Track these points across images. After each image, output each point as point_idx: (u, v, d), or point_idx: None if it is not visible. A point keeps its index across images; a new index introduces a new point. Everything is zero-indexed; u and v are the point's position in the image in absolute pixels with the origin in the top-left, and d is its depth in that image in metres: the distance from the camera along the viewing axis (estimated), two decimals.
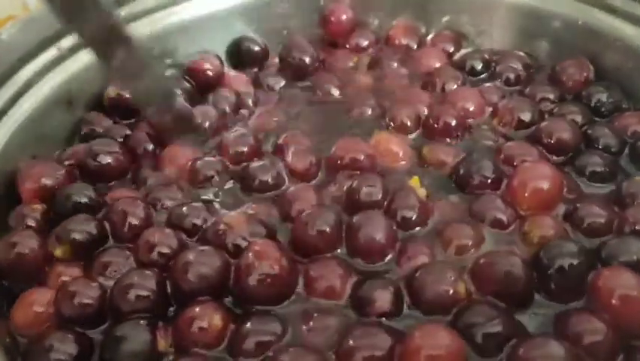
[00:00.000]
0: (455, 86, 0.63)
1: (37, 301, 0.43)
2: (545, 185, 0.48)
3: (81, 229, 0.47)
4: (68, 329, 0.41)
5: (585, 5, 0.64)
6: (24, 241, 0.46)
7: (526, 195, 0.48)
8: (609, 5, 0.62)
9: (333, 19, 0.72)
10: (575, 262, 0.42)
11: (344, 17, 0.72)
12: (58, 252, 0.47)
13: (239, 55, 0.70)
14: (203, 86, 0.65)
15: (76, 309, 0.42)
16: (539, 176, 0.49)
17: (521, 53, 0.68)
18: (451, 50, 0.70)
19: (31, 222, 0.49)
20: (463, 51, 0.70)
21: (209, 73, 0.65)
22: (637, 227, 0.46)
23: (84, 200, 0.50)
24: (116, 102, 0.62)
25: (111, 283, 0.44)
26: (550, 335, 0.39)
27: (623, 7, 0.61)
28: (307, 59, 0.68)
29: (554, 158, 0.54)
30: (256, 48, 0.70)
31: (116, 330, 0.40)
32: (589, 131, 0.56)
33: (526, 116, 0.58)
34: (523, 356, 0.37)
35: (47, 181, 0.52)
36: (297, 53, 0.68)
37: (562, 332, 0.40)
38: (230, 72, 0.68)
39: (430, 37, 0.72)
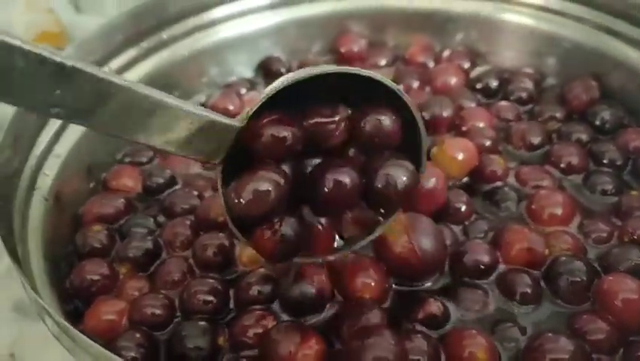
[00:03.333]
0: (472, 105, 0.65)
1: (110, 312, 0.47)
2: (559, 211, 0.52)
3: (139, 246, 0.51)
4: (137, 330, 0.45)
5: (591, 29, 0.67)
6: (95, 268, 0.50)
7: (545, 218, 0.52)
8: (613, 29, 0.65)
9: (343, 50, 0.75)
10: (578, 278, 0.46)
11: (356, 49, 0.75)
12: (123, 270, 0.51)
13: (269, 73, 0.73)
14: None
15: (148, 318, 0.46)
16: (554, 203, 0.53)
17: (531, 71, 0.70)
18: (467, 66, 0.72)
19: (97, 244, 0.52)
20: (478, 69, 0.72)
21: (231, 109, 0.67)
22: (635, 236, 0.50)
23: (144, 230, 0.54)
24: None
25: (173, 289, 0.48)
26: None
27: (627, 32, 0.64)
28: None
29: (567, 177, 0.57)
30: (282, 69, 0.73)
31: (182, 329, 0.44)
32: (594, 148, 0.59)
33: (536, 140, 0.60)
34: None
35: (108, 210, 0.56)
36: None
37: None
38: None
39: (445, 54, 0.74)
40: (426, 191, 0.51)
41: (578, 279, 0.46)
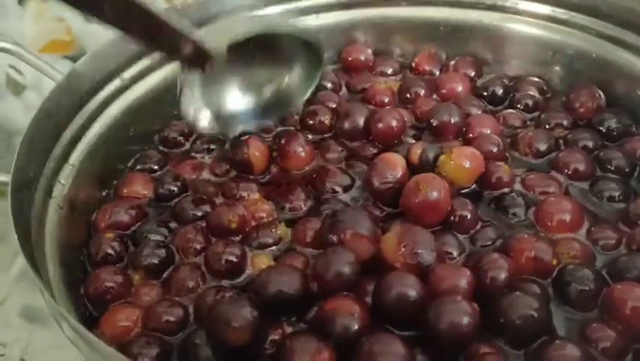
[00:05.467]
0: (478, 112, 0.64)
1: (124, 319, 0.47)
2: (568, 217, 0.52)
3: (152, 253, 0.51)
4: (152, 336, 0.45)
5: (596, 38, 0.66)
6: (109, 277, 0.50)
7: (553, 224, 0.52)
8: (618, 38, 0.65)
9: (350, 59, 0.75)
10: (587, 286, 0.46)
11: (362, 58, 0.75)
12: (136, 278, 0.51)
13: None
14: None
15: (163, 325, 0.46)
16: (563, 210, 0.52)
17: (536, 79, 0.69)
18: (473, 74, 0.71)
19: (110, 251, 0.52)
20: (484, 77, 0.71)
21: None
22: None
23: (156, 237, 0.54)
24: None
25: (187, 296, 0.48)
26: None
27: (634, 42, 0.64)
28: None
29: (573, 183, 0.56)
30: None
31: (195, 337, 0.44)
32: (601, 154, 0.58)
33: (542, 147, 0.59)
34: None
35: (120, 218, 0.56)
36: None
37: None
38: None
39: (452, 62, 0.73)
40: (430, 203, 0.50)
41: (587, 288, 0.45)
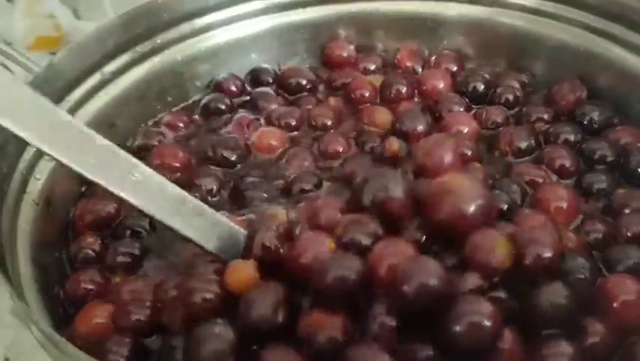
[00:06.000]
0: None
1: (100, 316, 0.46)
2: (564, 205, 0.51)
3: (127, 252, 0.50)
4: (125, 335, 0.44)
5: (578, 29, 0.65)
6: (89, 277, 0.49)
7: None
8: (602, 30, 0.64)
9: (334, 55, 0.74)
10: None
11: (345, 54, 0.74)
12: (117, 279, 0.50)
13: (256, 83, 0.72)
14: None
15: (132, 323, 0.45)
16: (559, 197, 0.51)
17: (518, 73, 0.68)
18: (455, 69, 0.70)
19: (91, 253, 0.52)
20: (465, 72, 0.70)
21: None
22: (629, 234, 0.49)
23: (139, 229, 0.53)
24: None
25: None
26: None
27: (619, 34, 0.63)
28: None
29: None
30: (269, 79, 0.72)
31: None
32: (583, 146, 0.57)
33: (523, 145, 0.58)
34: None
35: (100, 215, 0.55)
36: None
37: None
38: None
39: (433, 58, 0.73)
40: None
41: (582, 276, 0.44)
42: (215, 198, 0.56)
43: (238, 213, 0.53)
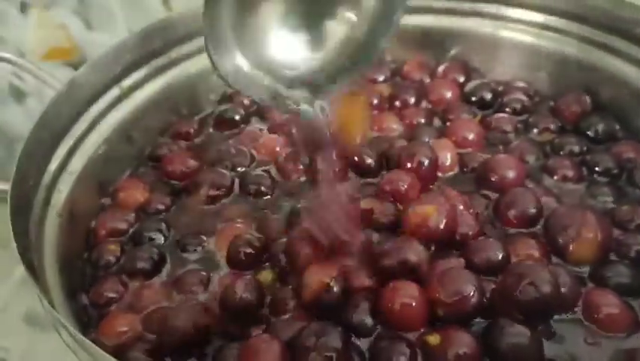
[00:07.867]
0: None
1: (123, 324, 0.47)
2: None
3: (146, 257, 0.52)
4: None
5: (582, 44, 0.66)
6: (113, 286, 0.51)
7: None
8: (605, 44, 0.65)
9: None
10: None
11: None
12: (136, 284, 0.51)
13: None
14: None
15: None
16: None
17: (523, 84, 0.69)
18: (462, 79, 0.71)
19: (112, 259, 0.53)
20: (472, 82, 0.71)
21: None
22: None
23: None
24: None
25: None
26: None
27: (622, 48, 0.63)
28: None
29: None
30: None
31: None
32: (588, 158, 0.58)
33: (531, 158, 0.59)
34: None
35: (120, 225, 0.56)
36: None
37: None
38: None
39: (440, 68, 0.73)
40: None
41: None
42: None
43: None
